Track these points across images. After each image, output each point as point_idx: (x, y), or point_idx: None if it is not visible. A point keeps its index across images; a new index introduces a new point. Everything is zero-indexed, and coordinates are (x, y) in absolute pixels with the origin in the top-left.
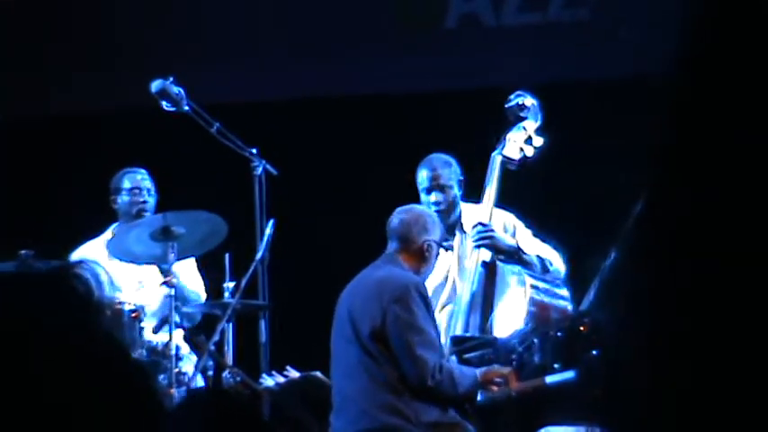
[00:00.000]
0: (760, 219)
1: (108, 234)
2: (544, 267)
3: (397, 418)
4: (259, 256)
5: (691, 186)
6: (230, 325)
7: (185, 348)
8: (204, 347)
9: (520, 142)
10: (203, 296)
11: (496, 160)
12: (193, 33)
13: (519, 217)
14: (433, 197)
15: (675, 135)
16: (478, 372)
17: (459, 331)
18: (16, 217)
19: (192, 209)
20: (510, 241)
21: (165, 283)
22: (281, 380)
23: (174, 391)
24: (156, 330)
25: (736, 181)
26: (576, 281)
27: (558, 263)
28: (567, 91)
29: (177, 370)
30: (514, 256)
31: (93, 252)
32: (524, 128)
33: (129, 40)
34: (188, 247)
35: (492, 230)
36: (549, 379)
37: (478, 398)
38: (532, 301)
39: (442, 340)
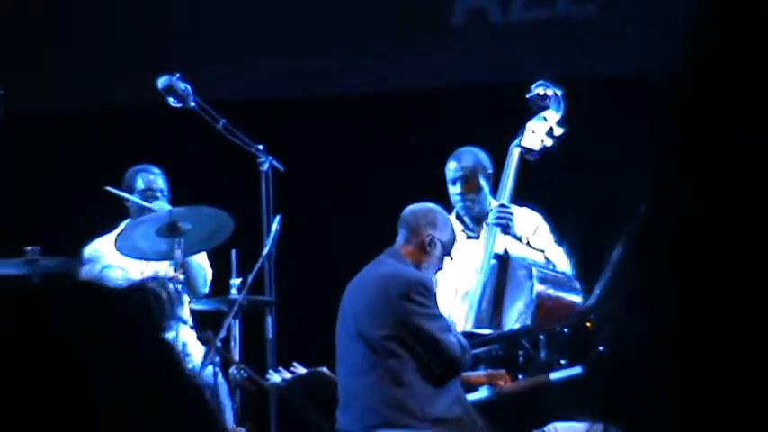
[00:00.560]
0: (762, 217)
1: (121, 229)
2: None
3: (403, 414)
4: (265, 252)
5: (693, 184)
6: (237, 321)
7: (192, 345)
8: (211, 343)
9: (540, 133)
10: (209, 277)
11: (515, 152)
12: (199, 30)
13: (546, 220)
14: (458, 188)
15: (678, 133)
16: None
17: (470, 323)
18: (22, 214)
19: (199, 205)
20: (521, 235)
21: (171, 279)
22: (288, 376)
23: None
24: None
25: (738, 179)
26: (584, 278)
27: (563, 266)
28: (574, 87)
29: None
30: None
31: (105, 247)
32: (545, 118)
33: (135, 37)
34: (195, 243)
35: (512, 214)
36: (554, 375)
37: (485, 393)
38: (539, 295)
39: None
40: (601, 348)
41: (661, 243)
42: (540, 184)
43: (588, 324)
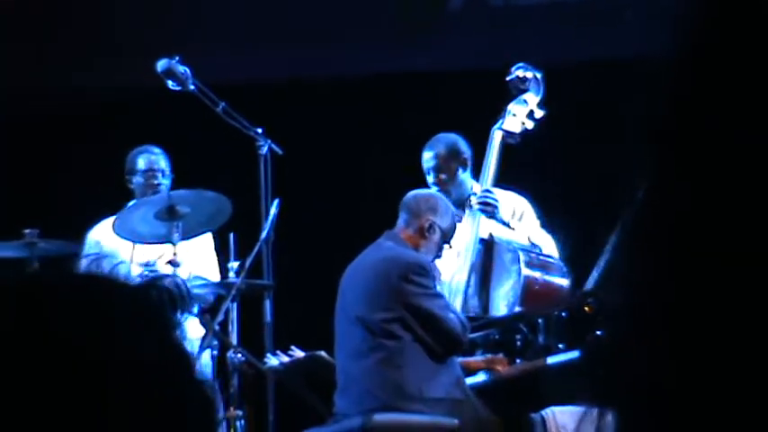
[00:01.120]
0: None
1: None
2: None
3: (401, 398)
4: (264, 235)
5: (689, 175)
6: (235, 305)
7: (190, 328)
8: (209, 327)
9: (521, 116)
10: (215, 278)
11: (496, 135)
12: (199, 13)
13: (532, 205)
14: (431, 178)
15: (674, 122)
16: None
17: (458, 308)
18: (21, 197)
19: (198, 188)
20: (507, 220)
21: (170, 261)
22: (286, 359)
23: None
24: None
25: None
26: (579, 261)
27: (549, 250)
28: (574, 71)
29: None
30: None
31: (109, 230)
32: (525, 101)
33: (134, 20)
34: (193, 227)
35: (496, 200)
36: (552, 359)
37: (483, 378)
38: (527, 279)
39: None
40: (598, 333)
41: (658, 232)
42: (523, 167)
43: (586, 308)
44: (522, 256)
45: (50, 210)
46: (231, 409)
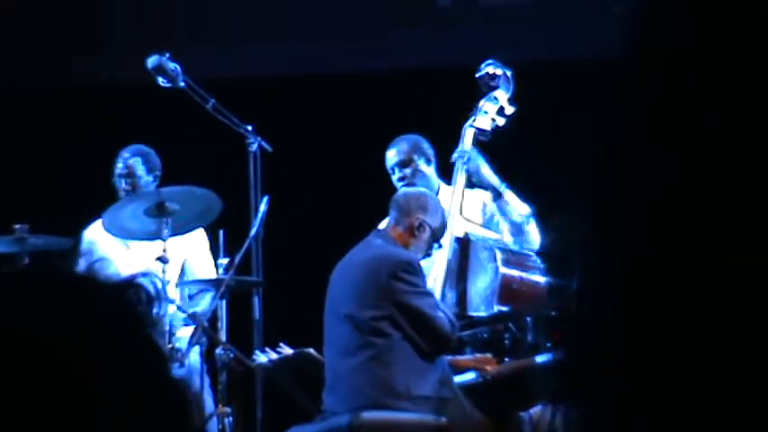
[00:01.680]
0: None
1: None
2: (518, 227)
3: (389, 396)
4: (253, 232)
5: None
6: (224, 301)
7: (179, 325)
8: (198, 323)
9: (492, 113)
10: (211, 275)
11: (468, 133)
12: (190, 9)
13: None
14: (397, 174)
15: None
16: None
17: None
18: (16, 194)
19: (187, 185)
20: (491, 179)
21: (159, 258)
22: (275, 356)
23: None
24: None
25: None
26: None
27: (533, 232)
28: (559, 69)
29: (171, 345)
30: (493, 191)
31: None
32: (496, 98)
33: (125, 17)
34: (183, 224)
35: (475, 162)
36: (541, 358)
37: (472, 377)
38: (504, 277)
39: None
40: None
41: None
42: (494, 164)
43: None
44: (498, 254)
45: (41, 205)
46: (220, 405)
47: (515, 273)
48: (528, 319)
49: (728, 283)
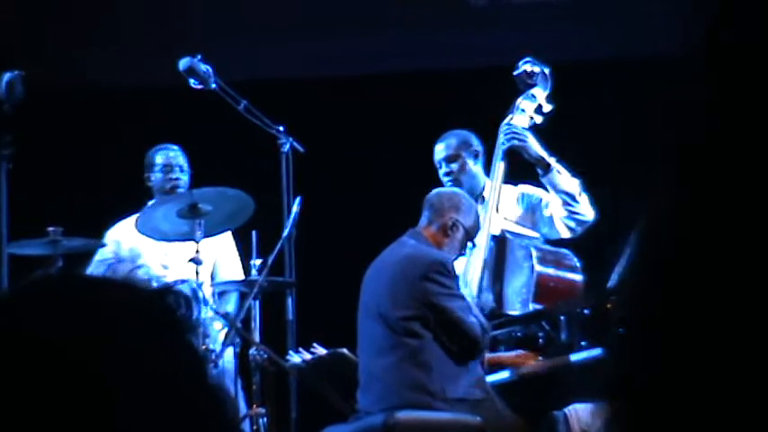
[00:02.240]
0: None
1: (142, 211)
2: (571, 196)
3: (424, 395)
4: (286, 233)
5: (705, 185)
6: (257, 302)
7: (212, 326)
8: (232, 324)
9: (529, 110)
10: (239, 276)
11: (505, 130)
12: (221, 10)
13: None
14: (444, 169)
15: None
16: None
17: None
18: (46, 195)
19: (220, 186)
20: (540, 151)
21: (192, 259)
22: (308, 357)
23: None
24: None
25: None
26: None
27: (584, 209)
28: (593, 69)
29: (205, 347)
30: (542, 164)
31: (129, 229)
32: (533, 95)
33: (156, 17)
34: (215, 225)
35: (524, 134)
36: (575, 357)
37: (506, 375)
38: (539, 275)
39: None
40: (620, 330)
41: (672, 240)
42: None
43: (609, 305)
44: (534, 252)
45: (74, 208)
46: (254, 406)
47: (551, 271)
48: (562, 317)
49: None
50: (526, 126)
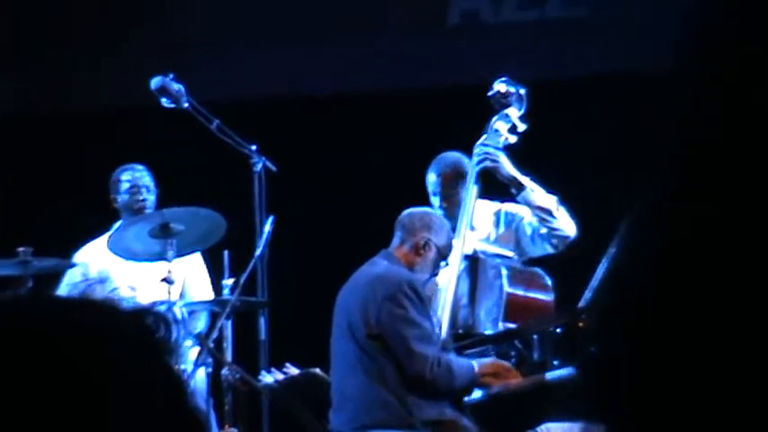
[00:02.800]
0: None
1: (113, 229)
2: (548, 212)
3: (395, 416)
4: (258, 252)
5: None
6: (229, 322)
7: (184, 346)
8: (204, 344)
9: (503, 131)
10: (209, 296)
11: (478, 152)
12: (191, 29)
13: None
14: (438, 202)
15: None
16: (477, 363)
17: (445, 325)
18: (16, 215)
19: (192, 206)
20: (512, 171)
21: (164, 279)
22: (281, 377)
23: None
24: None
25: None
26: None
27: (564, 224)
28: (562, 87)
29: (176, 367)
30: (515, 183)
31: (97, 251)
32: (508, 115)
33: (128, 37)
34: (187, 244)
35: (496, 155)
36: (550, 375)
37: (478, 395)
38: (508, 295)
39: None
40: (592, 349)
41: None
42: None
43: (581, 324)
44: (504, 272)
45: (44, 228)
46: (226, 426)
47: (520, 292)
48: (534, 336)
49: None
50: (500, 146)
